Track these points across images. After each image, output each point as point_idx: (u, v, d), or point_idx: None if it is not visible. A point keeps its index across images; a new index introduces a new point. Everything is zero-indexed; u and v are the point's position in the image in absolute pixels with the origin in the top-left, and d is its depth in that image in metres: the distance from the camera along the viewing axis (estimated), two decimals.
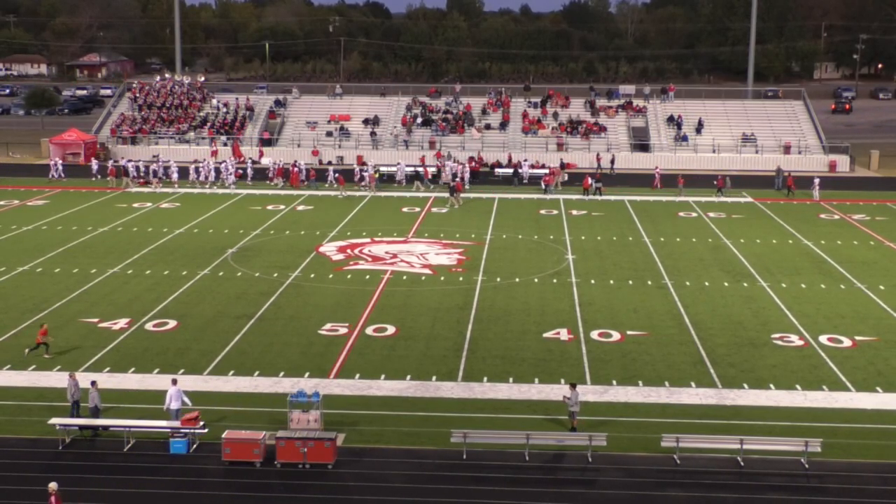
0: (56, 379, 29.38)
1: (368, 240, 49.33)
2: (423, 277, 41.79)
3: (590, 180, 63.32)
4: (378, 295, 38.93)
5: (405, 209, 58.15)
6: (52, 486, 20.65)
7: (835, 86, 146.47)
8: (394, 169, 68.83)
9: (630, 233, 51.45)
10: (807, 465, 24.25)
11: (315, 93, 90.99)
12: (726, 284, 40.97)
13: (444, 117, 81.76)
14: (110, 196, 61.82)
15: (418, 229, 52.17)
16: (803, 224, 54.25)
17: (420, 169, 68.25)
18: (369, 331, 34.38)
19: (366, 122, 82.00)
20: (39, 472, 23.80)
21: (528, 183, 67.67)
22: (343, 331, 34.35)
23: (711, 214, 56.87)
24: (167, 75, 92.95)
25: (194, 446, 25.12)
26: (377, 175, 66.28)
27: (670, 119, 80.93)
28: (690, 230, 52.27)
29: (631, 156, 76.88)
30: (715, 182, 63.94)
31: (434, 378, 29.89)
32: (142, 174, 66.71)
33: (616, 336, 34.00)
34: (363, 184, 65.07)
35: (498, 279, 41.58)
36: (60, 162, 69.62)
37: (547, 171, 67.11)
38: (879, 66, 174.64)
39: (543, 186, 64.58)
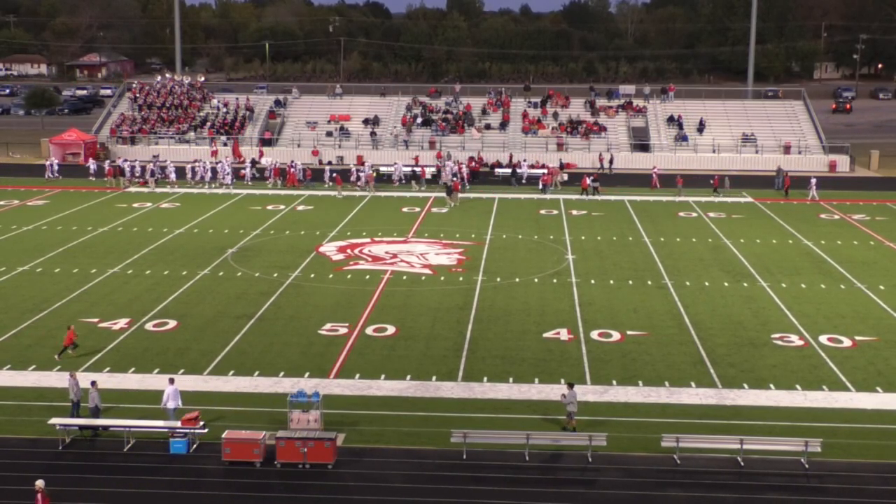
0: (56, 379, 29.39)
1: (368, 240, 49.33)
2: (423, 277, 41.79)
3: (588, 180, 63.44)
4: (378, 295, 38.94)
5: (405, 209, 58.15)
6: (39, 483, 20.61)
7: (835, 86, 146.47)
8: (391, 169, 68.85)
9: (630, 233, 51.46)
10: (807, 465, 24.25)
11: (315, 93, 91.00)
12: (726, 284, 40.97)
13: (444, 117, 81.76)
14: (110, 196, 61.83)
15: (418, 229, 52.18)
16: (803, 224, 54.25)
17: (417, 169, 68.25)
18: (369, 331, 34.38)
19: (366, 122, 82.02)
20: (39, 472, 23.75)
21: (526, 183, 67.67)
22: (343, 331, 34.35)
23: (711, 214, 56.87)
24: (167, 75, 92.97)
25: (194, 446, 25.12)
26: (375, 175, 66.23)
27: (670, 119, 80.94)
28: (690, 230, 52.28)
29: (631, 156, 76.89)
30: (711, 182, 64.04)
31: (434, 378, 29.89)
32: (137, 174, 66.72)
33: (616, 336, 34.00)
34: (359, 184, 65.07)
35: (498, 279, 41.58)
36: (56, 162, 69.67)
37: (545, 171, 67.13)
38: (879, 66, 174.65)
39: (541, 186, 64.68)
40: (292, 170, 66.55)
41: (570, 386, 26.60)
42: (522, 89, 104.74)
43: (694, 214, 56.98)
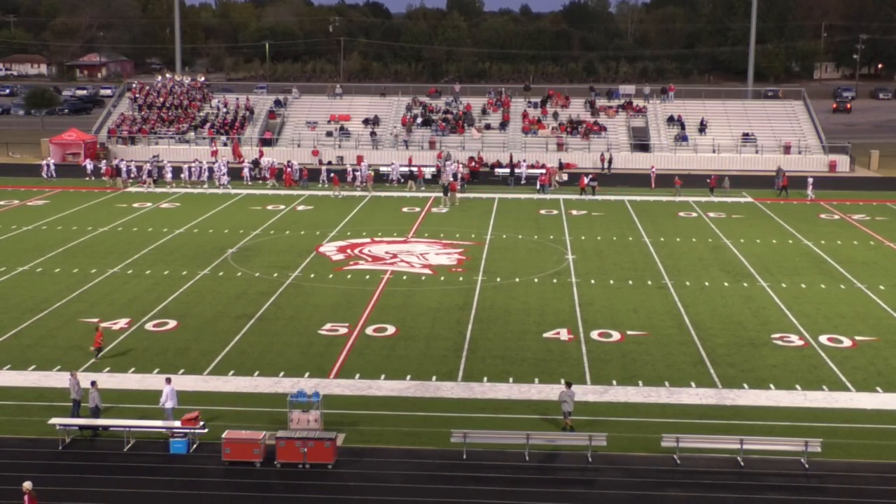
0: (56, 379, 29.39)
1: (368, 240, 49.33)
2: (423, 277, 41.79)
3: (585, 179, 63.61)
4: (378, 295, 38.93)
5: (405, 209, 58.15)
6: (27, 485, 20.55)
7: (835, 86, 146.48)
8: (388, 169, 68.85)
9: (630, 233, 51.46)
10: (807, 465, 24.25)
11: (315, 93, 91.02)
12: (726, 284, 40.97)
13: (444, 117, 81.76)
14: (110, 196, 61.83)
15: (418, 229, 52.17)
16: (803, 224, 54.25)
17: (414, 169, 68.26)
18: (369, 331, 34.38)
19: (366, 122, 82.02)
20: (39, 472, 23.80)
21: (525, 183, 67.67)
22: (343, 331, 34.35)
23: (711, 214, 56.88)
24: (168, 75, 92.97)
25: (194, 446, 25.12)
26: (373, 175, 66.22)
27: (670, 119, 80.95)
28: (690, 230, 52.28)
29: (631, 156, 76.90)
30: (708, 181, 64.02)
31: (434, 378, 29.89)
32: (133, 174, 66.69)
33: (616, 336, 34.00)
34: (356, 183, 65.05)
35: (498, 279, 41.57)
36: (53, 162, 69.71)
37: (543, 171, 67.14)
38: (879, 66, 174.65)
39: (539, 186, 64.77)
40: (289, 170, 66.57)
41: (569, 385, 26.60)
42: (522, 89, 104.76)
43: (694, 214, 56.98)
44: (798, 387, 29.38)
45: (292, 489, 23.10)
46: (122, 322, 35.13)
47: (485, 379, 29.85)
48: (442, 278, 41.66)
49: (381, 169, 69.16)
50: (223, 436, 24.42)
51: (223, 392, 28.77)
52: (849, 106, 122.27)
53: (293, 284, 40.57)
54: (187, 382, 29.29)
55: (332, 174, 65.36)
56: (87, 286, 39.99)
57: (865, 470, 24.09)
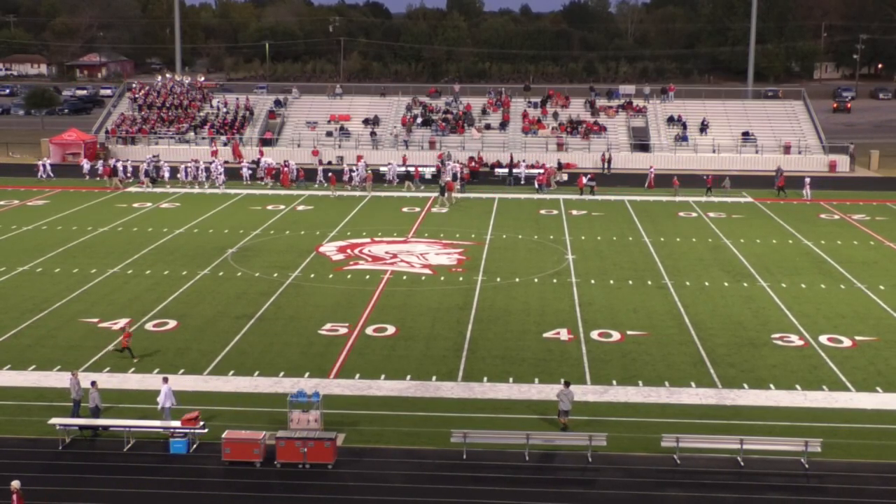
0: (56, 379, 29.40)
1: (368, 240, 49.33)
2: (423, 277, 41.79)
3: (584, 179, 63.73)
4: (378, 295, 38.94)
5: (405, 209, 58.15)
6: (15, 484, 20.52)
7: (835, 86, 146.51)
8: (385, 169, 68.88)
9: (630, 233, 51.46)
10: (807, 465, 24.25)
11: (315, 93, 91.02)
12: (726, 284, 40.97)
13: (444, 117, 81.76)
14: (110, 196, 61.83)
15: (418, 229, 52.18)
16: (803, 224, 54.25)
17: (410, 169, 68.26)
18: (369, 331, 34.38)
19: (366, 122, 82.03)
20: (39, 472, 23.82)
21: (524, 183, 67.66)
22: (343, 331, 34.35)
23: (711, 214, 56.88)
24: (168, 75, 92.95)
25: (194, 446, 25.12)
26: (371, 174, 66.21)
27: (671, 119, 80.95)
28: (690, 230, 52.28)
29: (631, 156, 76.90)
30: (705, 177, 63.94)
31: (434, 378, 29.89)
32: (129, 174, 66.65)
33: (616, 336, 34.00)
34: (352, 183, 65.06)
35: (498, 279, 41.57)
36: (49, 162, 69.72)
37: (541, 170, 67.15)
38: (879, 66, 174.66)
39: (537, 186, 64.85)
40: (286, 170, 66.58)
41: (567, 384, 26.59)
42: (522, 89, 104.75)
43: (694, 214, 56.98)
44: (798, 387, 29.38)
45: (292, 489, 23.10)
46: (122, 322, 35.11)
47: (485, 379, 29.85)
48: (442, 278, 41.67)
49: (381, 169, 69.16)
50: (223, 436, 24.42)
51: (223, 392, 28.77)
52: (849, 106, 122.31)
53: (293, 284, 40.57)
54: (187, 382, 29.30)
55: (329, 174, 65.32)
56: (87, 286, 39.99)
57: (865, 470, 24.08)
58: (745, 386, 29.37)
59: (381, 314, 36.31)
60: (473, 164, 71.29)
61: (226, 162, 73.79)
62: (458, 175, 65.73)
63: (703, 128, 79.25)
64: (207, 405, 27.38)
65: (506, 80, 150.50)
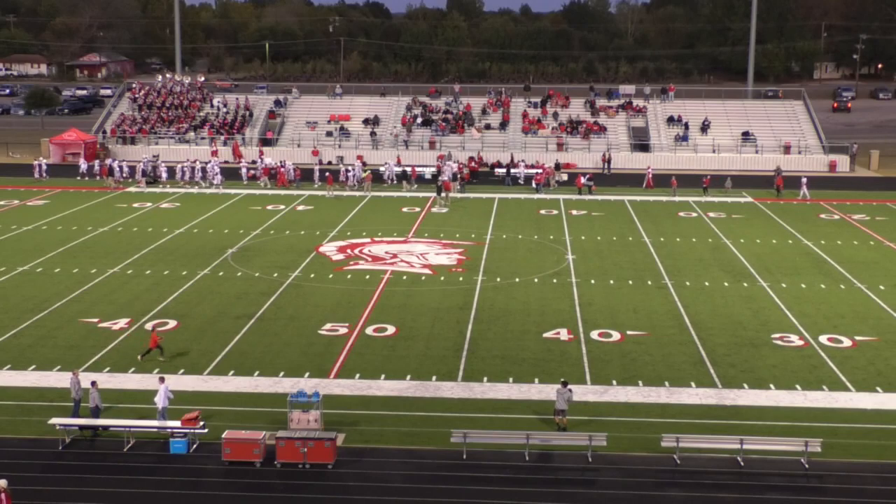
0: (56, 379, 29.41)
1: (368, 240, 49.33)
2: (423, 277, 41.79)
3: (582, 179, 63.84)
4: (378, 295, 38.94)
5: (405, 209, 58.15)
6: (1, 483, 20.49)
7: (835, 86, 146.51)
8: (382, 168, 68.87)
9: (630, 233, 51.46)
10: (807, 465, 24.24)
11: (315, 93, 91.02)
12: (726, 284, 40.97)
13: (444, 117, 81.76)
14: (110, 196, 61.83)
15: (418, 229, 52.18)
16: (803, 224, 54.25)
17: (408, 169, 68.26)
18: (369, 331, 34.38)
19: (366, 122, 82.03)
20: (39, 472, 23.82)
21: (523, 183, 67.65)
22: (343, 331, 34.35)
23: (711, 214, 56.88)
24: (168, 75, 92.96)
25: (194, 446, 25.12)
26: (371, 174, 66.25)
27: (671, 119, 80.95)
28: (690, 230, 52.28)
29: (631, 156, 76.90)
30: (703, 182, 63.82)
31: (434, 378, 29.89)
32: (125, 174, 66.62)
33: (616, 336, 34.00)
34: (349, 183, 65.08)
35: (498, 279, 41.57)
36: (45, 162, 69.72)
37: (539, 170, 67.16)
38: (879, 66, 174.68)
39: (535, 186, 64.91)
40: (282, 169, 66.59)
41: (565, 384, 26.57)
42: (522, 89, 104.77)
43: (694, 214, 56.98)
44: (798, 387, 29.38)
45: (292, 489, 23.10)
46: (122, 322, 35.12)
47: (485, 379, 29.85)
48: (442, 278, 41.67)
49: (381, 169, 69.14)
50: (223, 436, 24.42)
51: (223, 392, 28.77)
52: (849, 105, 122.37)
53: (293, 284, 40.57)
54: (187, 382, 29.31)
55: (326, 174, 65.34)
56: (87, 286, 39.99)
57: (865, 470, 24.08)
58: (745, 386, 29.37)
59: (381, 314, 36.31)
60: (473, 164, 71.28)
61: (225, 162, 73.94)
62: (459, 175, 65.74)
63: (705, 127, 79.25)
64: (207, 405, 27.37)
65: (506, 80, 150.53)
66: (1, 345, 32.74)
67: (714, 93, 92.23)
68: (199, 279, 41.22)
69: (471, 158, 72.44)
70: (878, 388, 29.32)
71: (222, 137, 79.10)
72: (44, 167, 68.66)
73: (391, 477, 23.61)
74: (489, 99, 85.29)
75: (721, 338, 33.85)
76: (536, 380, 29.70)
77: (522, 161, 70.81)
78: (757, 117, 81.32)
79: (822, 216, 56.92)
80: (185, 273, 42.12)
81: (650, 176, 66.61)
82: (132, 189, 64.37)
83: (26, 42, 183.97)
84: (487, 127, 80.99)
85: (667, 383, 29.52)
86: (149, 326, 33.62)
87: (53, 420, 25.59)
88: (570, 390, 26.57)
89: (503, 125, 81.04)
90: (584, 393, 28.47)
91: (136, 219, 54.33)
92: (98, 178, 67.07)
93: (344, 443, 25.21)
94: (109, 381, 29.11)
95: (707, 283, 41.06)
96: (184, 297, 38.58)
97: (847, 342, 33.54)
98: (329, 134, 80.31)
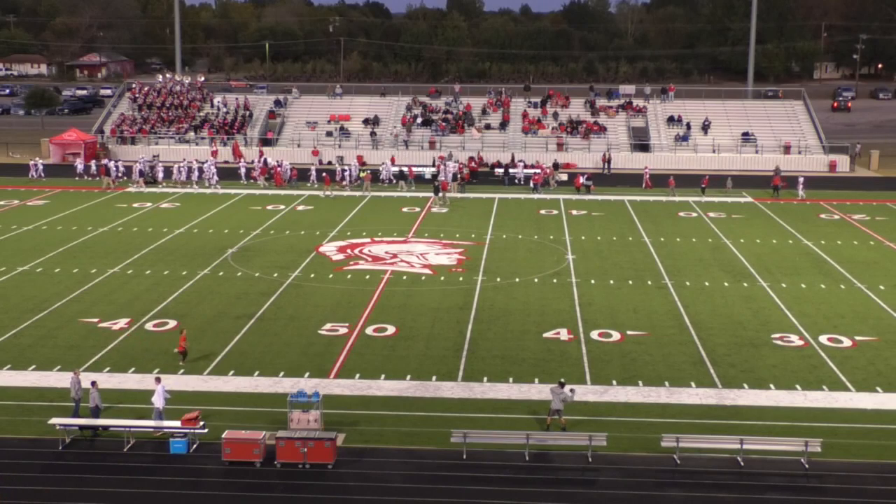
0: (56, 379, 29.41)
1: (368, 240, 49.33)
2: (423, 277, 41.79)
3: (581, 178, 63.89)
4: (378, 295, 38.93)
5: (405, 209, 58.15)
6: None
7: (835, 86, 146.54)
8: (379, 168, 68.88)
9: (630, 233, 51.46)
10: (807, 465, 24.24)
11: (315, 93, 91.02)
12: (726, 284, 40.97)
13: (444, 117, 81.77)
14: (110, 196, 61.83)
15: (418, 229, 52.18)
16: (803, 224, 54.25)
17: (404, 169, 68.26)
18: (369, 331, 34.38)
19: (366, 122, 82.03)
20: (39, 472, 23.82)
21: (523, 183, 67.64)
22: (343, 331, 34.35)
23: (711, 214, 56.88)
24: (168, 75, 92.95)
25: (194, 446, 25.12)
26: (362, 173, 66.28)
27: (671, 119, 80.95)
28: (690, 230, 52.28)
29: (631, 156, 76.90)
30: (701, 182, 63.77)
31: (434, 378, 29.89)
32: (121, 174, 66.62)
33: (616, 336, 34.00)
34: (344, 183, 65.10)
35: (498, 279, 41.57)
36: (41, 162, 69.71)
37: (537, 170, 67.17)
38: (879, 66, 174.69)
39: (532, 186, 64.95)
40: (279, 169, 66.58)
41: (561, 385, 26.53)
42: (522, 89, 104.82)
43: (694, 214, 56.99)
44: (798, 387, 29.38)
45: (292, 489, 23.10)
46: (122, 322, 35.12)
47: (485, 379, 29.85)
48: (442, 278, 41.67)
49: (380, 168, 69.16)
50: (223, 436, 24.42)
51: (223, 392, 28.77)
52: (849, 105, 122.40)
53: (293, 284, 40.57)
54: (187, 382, 29.31)
55: (323, 174, 65.33)
56: (87, 286, 39.99)
57: (865, 470, 24.08)
58: (745, 386, 29.37)
59: (381, 314, 36.31)
60: (473, 164, 71.28)
61: (225, 162, 73.97)
62: (459, 175, 65.74)
63: (705, 127, 79.25)
64: (207, 405, 27.37)
65: (506, 80, 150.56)
66: (1, 345, 32.74)
67: (714, 93, 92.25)
68: (199, 279, 41.22)
69: (471, 158, 72.44)
70: (878, 388, 29.33)
71: (222, 138, 79.04)
72: (40, 167, 68.63)
73: (391, 477, 23.61)
74: (489, 99, 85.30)
75: (721, 338, 33.86)
76: (536, 380, 29.70)
77: (521, 161, 70.81)
78: (757, 117, 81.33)
79: (822, 216, 56.92)
80: (185, 273, 42.12)
81: (647, 176, 66.60)
82: (131, 189, 64.35)
83: (26, 42, 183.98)
84: (487, 127, 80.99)
85: (667, 383, 29.53)
86: (178, 329, 32.90)
87: (53, 420, 25.59)
88: (571, 391, 26.57)
89: (503, 125, 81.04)
90: (584, 393, 28.46)
91: (136, 219, 54.33)
92: (95, 178, 67.01)
93: (344, 443, 25.21)
94: (109, 381, 29.11)
95: (707, 283, 41.06)
96: (184, 297, 38.58)
97: (847, 342, 33.54)
98: (329, 134, 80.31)
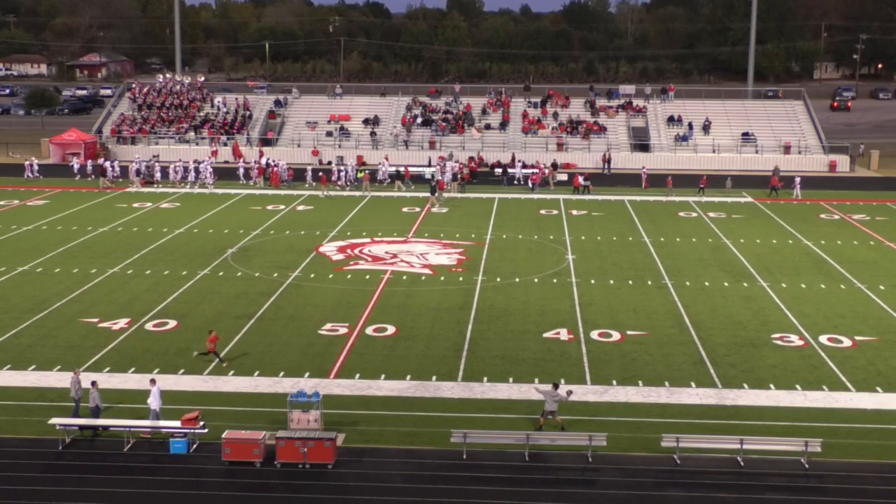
0: (56, 379, 29.41)
1: (368, 240, 49.33)
2: (423, 277, 41.79)
3: (579, 178, 63.92)
4: (378, 295, 38.93)
5: (405, 209, 58.15)
6: None
7: (835, 86, 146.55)
8: (376, 167, 68.85)
9: (630, 233, 51.46)
10: (807, 465, 24.24)
11: (315, 93, 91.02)
12: (726, 284, 40.97)
13: (444, 117, 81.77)
14: (110, 196, 61.83)
15: (418, 229, 52.18)
16: (803, 224, 54.25)
17: (401, 169, 68.24)
18: (369, 331, 34.38)
19: (366, 122, 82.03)
20: (39, 472, 23.82)
21: (522, 183, 67.63)
22: (343, 331, 34.35)
23: (711, 214, 56.88)
24: (168, 75, 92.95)
25: (194, 446, 25.12)
26: (360, 174, 66.27)
27: (671, 119, 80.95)
28: (690, 230, 52.28)
29: (631, 156, 76.89)
30: (700, 182, 63.72)
31: (434, 378, 29.89)
32: (116, 174, 66.61)
33: (616, 336, 34.00)
34: (339, 183, 65.10)
35: (498, 279, 41.57)
36: (37, 162, 69.69)
37: (535, 170, 67.16)
38: (879, 66, 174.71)
39: (530, 185, 64.97)
40: (275, 169, 66.59)
41: (555, 386, 26.51)
42: (522, 89, 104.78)
43: (694, 214, 56.98)
44: (798, 387, 29.38)
45: (292, 489, 23.10)
46: (122, 322, 35.12)
47: (485, 379, 29.85)
48: (442, 278, 41.67)
49: (379, 168, 69.19)
50: (223, 436, 24.42)
51: (223, 392, 28.77)
52: (849, 105, 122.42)
53: (293, 284, 40.57)
54: (187, 382, 29.32)
55: (319, 174, 65.31)
56: (87, 286, 39.99)
57: (865, 470, 24.08)
58: (745, 386, 29.37)
59: (381, 314, 36.31)
60: (473, 164, 71.27)
61: (225, 162, 73.99)
62: (459, 175, 65.74)
63: (706, 127, 79.26)
64: (207, 405, 27.37)
65: (506, 80, 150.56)
66: (1, 345, 32.74)
67: (714, 93, 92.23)
68: (199, 279, 41.22)
69: (471, 158, 72.42)
70: (878, 388, 29.33)
71: (223, 138, 79.03)
72: (35, 167, 68.61)
73: (391, 477, 23.61)
74: (489, 99, 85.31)
75: (721, 338, 33.86)
76: (536, 380, 29.69)
77: (520, 161, 70.75)
78: (757, 117, 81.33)
79: (822, 216, 56.92)
80: (185, 273, 42.13)
81: (645, 176, 66.55)
82: (131, 189, 64.35)
83: (26, 42, 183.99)
84: (487, 127, 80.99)
85: (667, 383, 29.53)
86: (207, 332, 32.33)
87: (53, 420, 25.59)
88: (569, 392, 26.54)
89: (503, 125, 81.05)
90: (585, 393, 28.47)
91: (136, 219, 54.33)
92: (91, 177, 67.02)
93: (344, 443, 25.21)
94: (109, 381, 29.11)
95: (707, 283, 41.06)
96: (184, 297, 38.58)
97: (847, 342, 33.54)
98: (329, 134, 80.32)
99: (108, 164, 67.32)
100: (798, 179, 63.66)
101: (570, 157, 75.66)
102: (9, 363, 30.94)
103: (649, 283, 41.19)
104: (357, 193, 63.40)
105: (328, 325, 34.91)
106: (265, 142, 79.21)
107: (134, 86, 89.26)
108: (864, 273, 43.07)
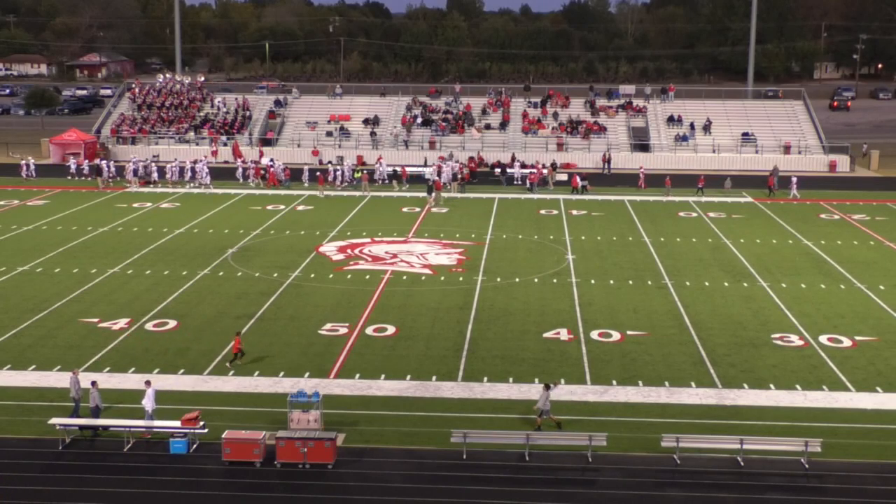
0: (56, 379, 29.41)
1: (368, 240, 49.33)
2: (423, 277, 41.79)
3: (578, 179, 63.93)
4: (378, 295, 38.93)
5: (405, 209, 58.15)
6: None
7: (835, 86, 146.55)
8: (374, 167, 68.86)
9: (630, 233, 51.46)
10: (807, 465, 24.25)
11: (315, 93, 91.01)
12: (726, 284, 40.97)
13: (444, 117, 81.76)
14: (110, 196, 61.82)
15: (418, 229, 52.18)
16: (803, 224, 54.25)
17: (398, 168, 68.22)
18: (369, 331, 34.38)
19: (366, 122, 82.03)
20: (39, 472, 23.82)
21: (521, 183, 67.63)
22: (343, 331, 34.35)
23: (711, 214, 56.87)
24: (168, 75, 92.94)
25: (194, 446, 25.12)
26: (357, 174, 66.22)
27: (671, 119, 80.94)
28: (690, 230, 52.28)
29: (631, 156, 76.87)
30: (698, 182, 63.65)
31: (434, 378, 29.89)
32: (112, 174, 66.59)
33: (616, 336, 34.00)
34: (336, 183, 65.12)
35: (498, 279, 41.57)
36: (33, 161, 69.66)
37: (533, 170, 67.13)
38: (879, 66, 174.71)
39: (528, 185, 64.97)
40: (272, 169, 66.58)
41: (547, 387, 26.48)
42: (522, 89, 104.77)
43: (694, 214, 56.98)
44: (798, 387, 29.39)
45: (292, 489, 23.10)
46: (122, 322, 35.12)
47: (485, 379, 29.85)
48: (442, 278, 41.67)
49: (376, 168, 69.18)
50: (223, 436, 24.42)
51: (223, 392, 28.77)
52: (849, 104, 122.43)
53: (293, 284, 40.57)
54: (187, 382, 29.32)
55: (317, 174, 65.33)
56: (87, 286, 39.99)
57: (865, 470, 24.09)
58: (745, 386, 29.37)
59: (381, 314, 36.30)
60: (473, 164, 71.26)
61: (225, 162, 74.01)
62: (459, 175, 65.73)
63: (706, 127, 79.26)
64: (207, 405, 27.37)
65: (506, 80, 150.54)
66: (1, 345, 32.74)
67: (714, 93, 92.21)
68: (199, 279, 41.22)
69: (471, 158, 72.40)
70: (878, 388, 29.33)
71: (223, 138, 79.02)
72: (31, 167, 68.60)
73: (391, 477, 23.61)
74: (489, 99, 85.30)
75: (721, 338, 33.86)
76: (536, 380, 29.68)
77: (520, 161, 70.68)
78: (757, 117, 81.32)
79: (822, 216, 56.93)
80: (185, 273, 42.12)
81: (643, 176, 66.50)
82: (130, 189, 64.34)
83: (26, 42, 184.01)
84: (487, 127, 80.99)
85: (667, 383, 29.53)
86: (236, 333, 32.17)
87: (53, 420, 25.59)
88: (553, 385, 26.56)
89: (503, 125, 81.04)
90: (585, 393, 28.48)
91: (136, 219, 54.33)
92: (87, 177, 66.98)
93: (344, 443, 25.21)
94: (109, 381, 29.11)
95: (707, 283, 41.06)
96: (184, 297, 38.58)
97: (847, 342, 33.54)
98: (329, 134, 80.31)
99: (104, 163, 67.30)
100: (795, 179, 63.65)
101: (570, 158, 75.65)
102: (9, 363, 30.94)
103: (649, 283, 41.19)
104: (357, 193, 63.36)
105: (328, 325, 34.91)
106: (265, 142, 79.19)
107: (134, 86, 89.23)
108: (864, 273, 43.07)
